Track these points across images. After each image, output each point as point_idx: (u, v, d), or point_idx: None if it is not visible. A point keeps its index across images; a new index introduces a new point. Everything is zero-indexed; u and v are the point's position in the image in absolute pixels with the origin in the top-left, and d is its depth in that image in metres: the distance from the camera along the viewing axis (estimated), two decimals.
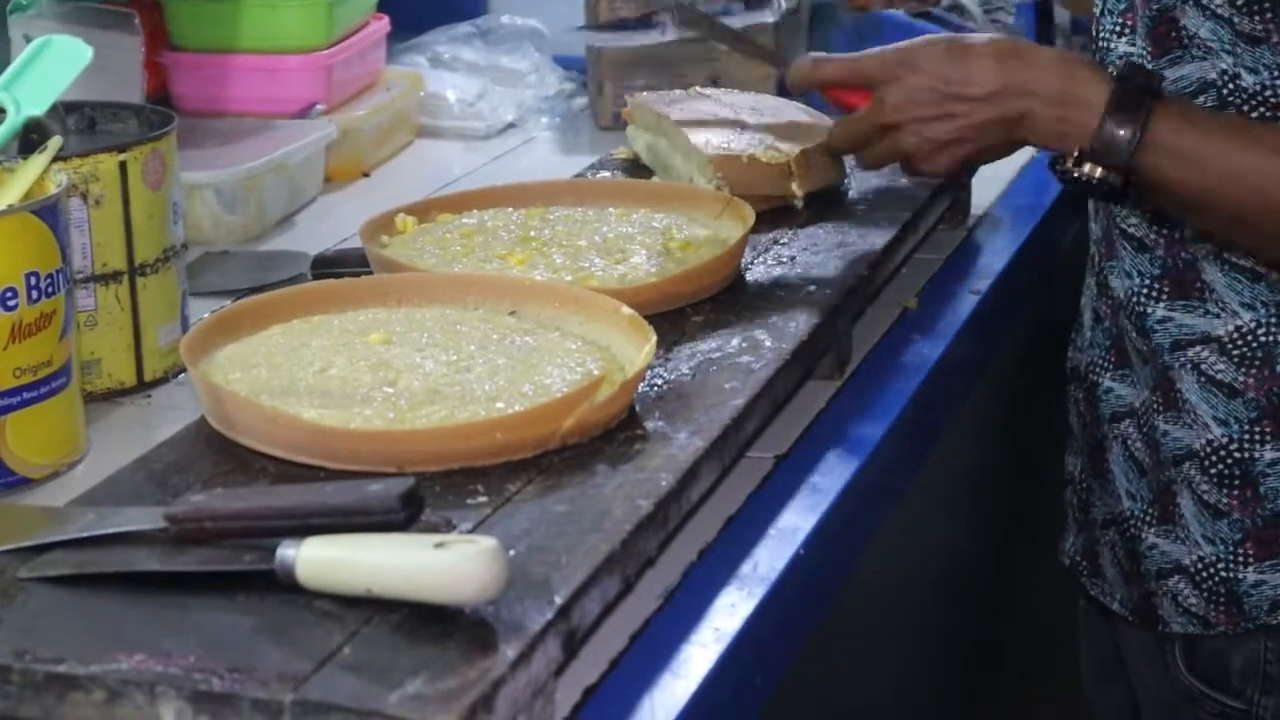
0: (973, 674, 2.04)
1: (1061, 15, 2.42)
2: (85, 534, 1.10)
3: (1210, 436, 1.54)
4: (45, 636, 1.01)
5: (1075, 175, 1.46)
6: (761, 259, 1.60)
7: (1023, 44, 1.56)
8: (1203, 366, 1.54)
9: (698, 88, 2.00)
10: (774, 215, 1.70)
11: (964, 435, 1.81)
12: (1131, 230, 1.57)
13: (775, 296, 1.51)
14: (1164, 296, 1.55)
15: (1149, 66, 1.51)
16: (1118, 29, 1.55)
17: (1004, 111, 1.50)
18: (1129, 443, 1.62)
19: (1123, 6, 1.55)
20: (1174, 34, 1.49)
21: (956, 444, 1.77)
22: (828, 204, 1.74)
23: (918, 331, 1.65)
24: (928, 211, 1.80)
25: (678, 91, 2.00)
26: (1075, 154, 1.46)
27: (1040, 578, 2.26)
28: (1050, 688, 2.43)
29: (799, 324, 1.46)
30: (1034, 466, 2.20)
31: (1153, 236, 1.56)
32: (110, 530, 1.10)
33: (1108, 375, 1.64)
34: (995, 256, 1.85)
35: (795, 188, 1.71)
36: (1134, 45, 1.53)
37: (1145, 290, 1.56)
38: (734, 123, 1.80)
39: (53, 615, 1.03)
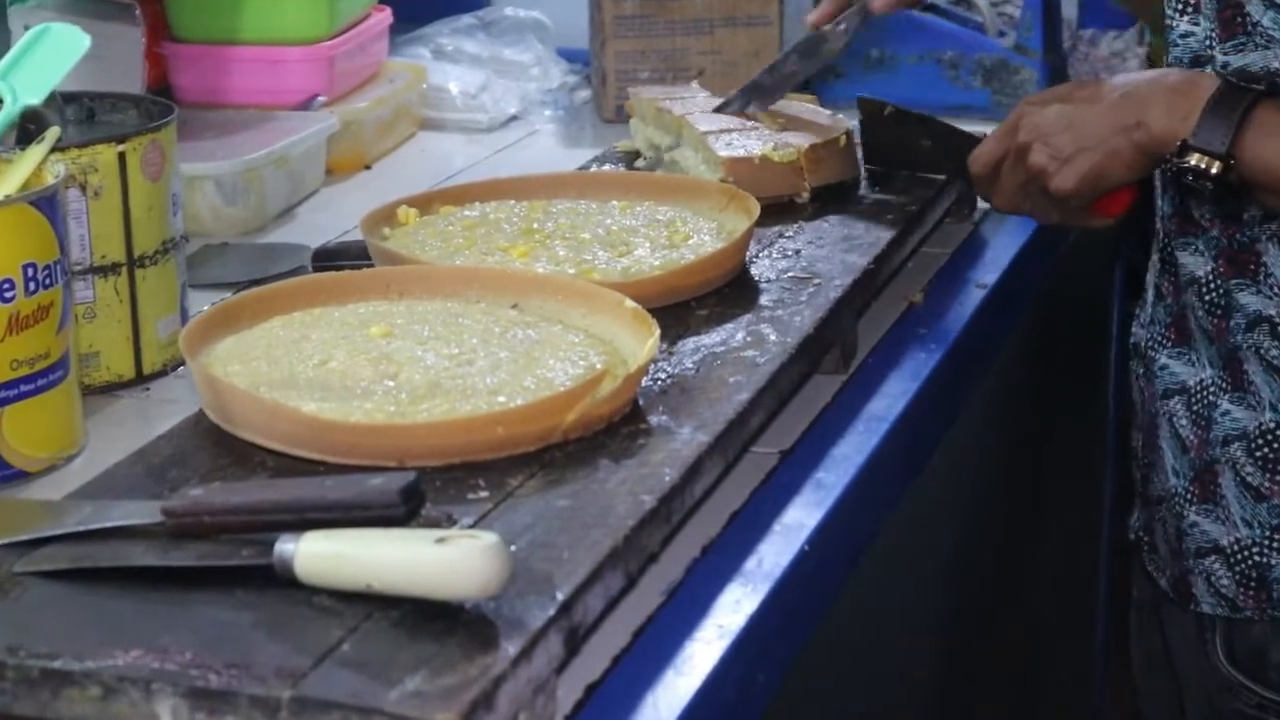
0: (978, 670, 2.03)
1: (1068, 9, 2.40)
2: (81, 528, 1.09)
3: (1262, 420, 1.54)
4: (40, 632, 0.99)
5: (1179, 165, 1.47)
6: (766, 252, 1.59)
7: (1150, 73, 1.59)
8: (1260, 350, 1.54)
9: (696, 83, 1.99)
10: (779, 209, 1.68)
11: (969, 430, 1.80)
12: (1188, 209, 1.57)
13: (780, 290, 1.50)
14: (1220, 275, 1.55)
15: (1215, 50, 1.51)
16: (1180, 7, 1.55)
17: (1121, 117, 1.51)
18: (1175, 420, 1.62)
19: None
20: (1239, 20, 1.50)
21: (961, 439, 1.75)
22: (833, 198, 1.73)
23: (923, 326, 1.64)
24: (934, 206, 1.79)
25: (680, 86, 1.99)
26: (1178, 145, 1.47)
27: (1047, 572, 2.25)
28: (1057, 685, 2.42)
29: (804, 318, 1.44)
30: (1040, 461, 2.19)
31: (1208, 217, 1.55)
32: (106, 524, 1.09)
33: (1164, 352, 1.63)
34: (1001, 251, 1.84)
35: (805, 183, 1.71)
36: (1196, 25, 1.53)
37: (1206, 268, 1.56)
38: (742, 115, 1.79)
39: (48, 610, 1.02)
